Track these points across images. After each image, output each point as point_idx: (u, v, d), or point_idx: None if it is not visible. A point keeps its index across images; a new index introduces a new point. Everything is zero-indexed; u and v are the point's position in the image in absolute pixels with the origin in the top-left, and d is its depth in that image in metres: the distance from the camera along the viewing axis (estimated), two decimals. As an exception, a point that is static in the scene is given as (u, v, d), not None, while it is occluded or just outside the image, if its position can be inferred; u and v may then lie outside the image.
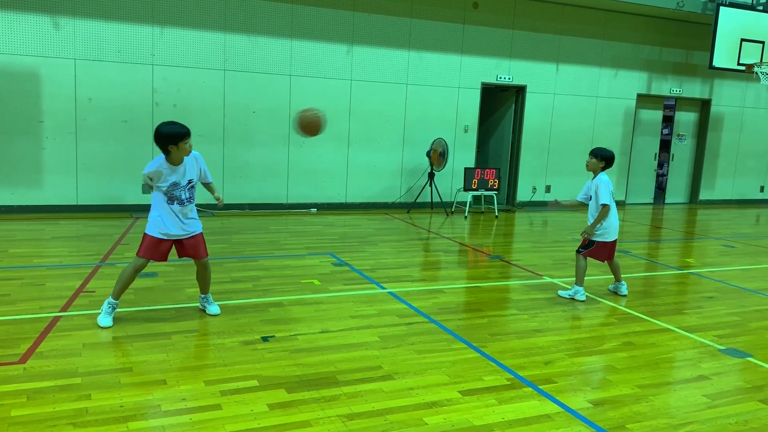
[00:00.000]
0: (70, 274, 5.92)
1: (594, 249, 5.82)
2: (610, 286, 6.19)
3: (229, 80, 9.92)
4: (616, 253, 5.98)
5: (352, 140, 10.88)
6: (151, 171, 4.47)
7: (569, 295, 5.87)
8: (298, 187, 10.64)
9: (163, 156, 4.51)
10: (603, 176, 5.76)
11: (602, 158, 5.74)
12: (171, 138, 4.42)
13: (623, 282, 6.08)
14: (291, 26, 10.17)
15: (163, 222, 4.57)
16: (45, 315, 4.73)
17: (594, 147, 6.03)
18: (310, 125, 4.98)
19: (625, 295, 6.01)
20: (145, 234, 4.62)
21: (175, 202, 4.58)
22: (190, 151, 4.57)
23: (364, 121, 10.91)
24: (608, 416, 3.51)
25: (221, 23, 9.74)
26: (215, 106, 9.88)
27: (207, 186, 4.93)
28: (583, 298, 5.81)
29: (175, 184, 4.55)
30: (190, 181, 4.63)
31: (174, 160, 4.52)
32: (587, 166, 5.83)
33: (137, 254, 4.60)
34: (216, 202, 4.95)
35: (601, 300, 5.91)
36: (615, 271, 6.06)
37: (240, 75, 9.97)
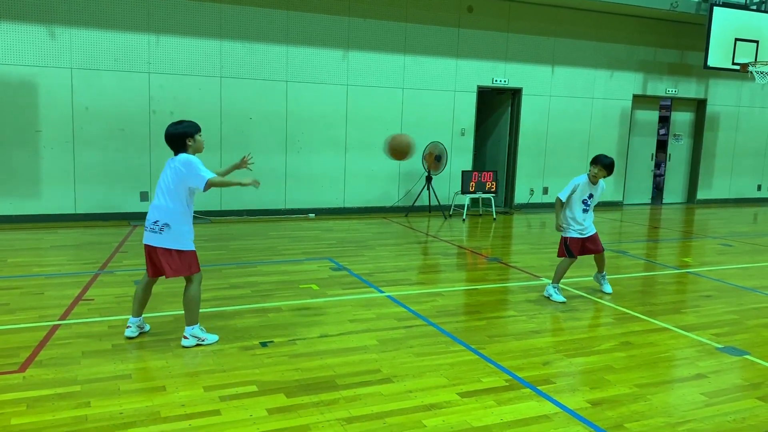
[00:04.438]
0: (68, 283, 5.93)
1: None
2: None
3: (226, 87, 9.94)
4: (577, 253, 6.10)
5: (349, 145, 10.90)
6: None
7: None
8: (295, 192, 10.65)
9: (193, 156, 4.34)
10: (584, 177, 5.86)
11: (605, 166, 5.74)
12: (187, 133, 4.32)
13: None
14: (286, 32, 10.20)
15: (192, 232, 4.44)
16: (44, 323, 4.74)
17: (599, 154, 5.87)
18: (399, 148, 4.93)
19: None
20: (188, 251, 4.34)
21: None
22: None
23: (361, 125, 10.93)
24: (606, 416, 3.52)
25: (217, 30, 9.77)
26: (212, 113, 9.89)
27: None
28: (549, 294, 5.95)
29: None
30: None
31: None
32: (595, 176, 5.75)
33: (196, 271, 4.39)
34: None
35: (599, 300, 5.93)
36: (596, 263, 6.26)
37: (236, 82, 10.00)
